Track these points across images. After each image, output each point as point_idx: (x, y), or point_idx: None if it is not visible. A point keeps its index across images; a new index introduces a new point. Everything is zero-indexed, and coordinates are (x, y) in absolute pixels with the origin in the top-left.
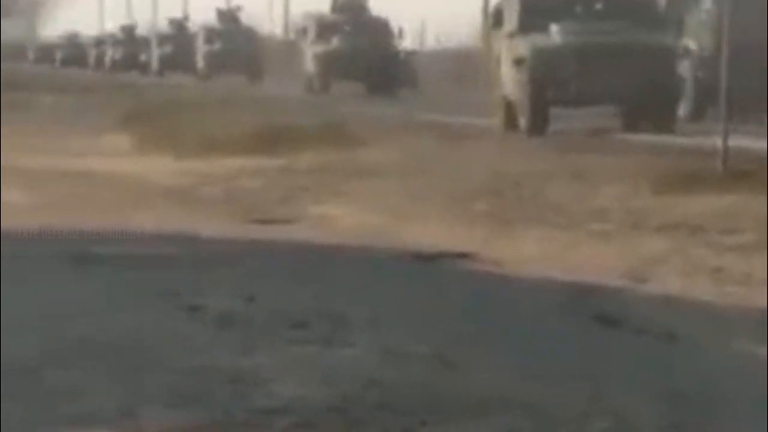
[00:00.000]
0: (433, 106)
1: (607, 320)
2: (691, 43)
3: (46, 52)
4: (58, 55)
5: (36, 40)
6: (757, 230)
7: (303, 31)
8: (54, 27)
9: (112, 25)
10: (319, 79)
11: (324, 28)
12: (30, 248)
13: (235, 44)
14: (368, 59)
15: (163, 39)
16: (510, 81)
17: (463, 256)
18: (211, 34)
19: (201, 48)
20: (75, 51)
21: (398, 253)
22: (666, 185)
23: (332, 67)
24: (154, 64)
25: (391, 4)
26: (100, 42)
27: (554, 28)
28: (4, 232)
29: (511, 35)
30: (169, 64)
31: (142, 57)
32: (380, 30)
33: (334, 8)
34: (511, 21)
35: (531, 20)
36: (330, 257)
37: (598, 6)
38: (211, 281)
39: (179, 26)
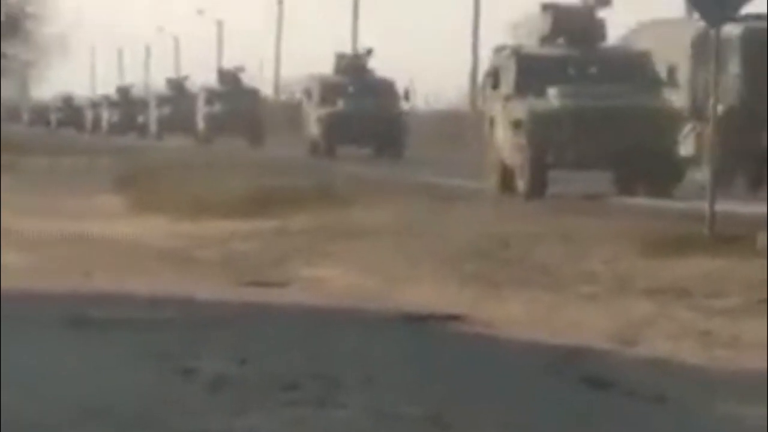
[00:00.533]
0: (424, 168)
1: (596, 382)
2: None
3: (40, 114)
4: (54, 117)
5: (29, 101)
6: (744, 294)
7: (307, 93)
8: (47, 88)
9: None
10: (323, 142)
11: (328, 90)
12: (26, 311)
13: (237, 106)
14: (374, 122)
15: (161, 100)
16: (507, 144)
17: (454, 318)
18: (212, 95)
19: (201, 109)
20: (70, 113)
21: (390, 315)
22: (653, 249)
23: (337, 129)
24: (153, 126)
25: (379, 64)
26: (95, 104)
27: (552, 91)
28: (6, 295)
29: (507, 98)
30: (168, 126)
31: (140, 119)
32: (386, 91)
33: (338, 70)
34: (507, 84)
35: (527, 83)
36: (322, 319)
37: (593, 69)
38: (204, 344)
39: (178, 87)
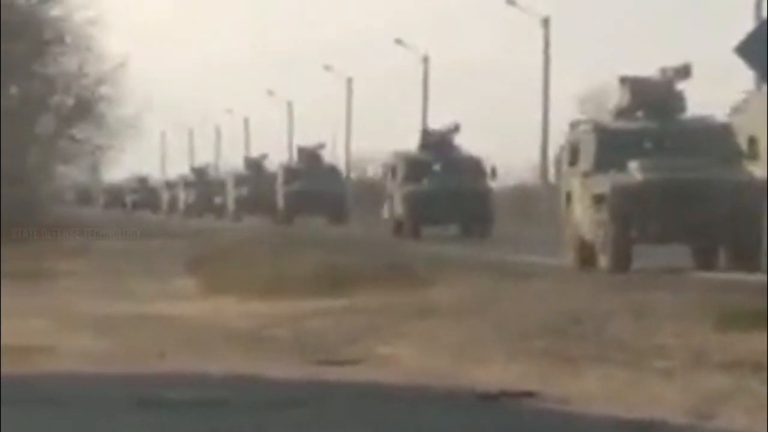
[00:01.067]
0: (497, 245)
1: None
2: None
3: (115, 196)
4: (129, 199)
5: (100, 184)
6: None
7: (391, 171)
8: (117, 171)
9: (175, 169)
10: (408, 222)
11: (413, 167)
12: (100, 392)
13: (318, 184)
14: (461, 200)
15: (239, 180)
16: (586, 219)
17: (529, 394)
18: (291, 173)
19: (281, 188)
20: (146, 194)
21: (462, 393)
22: (728, 322)
23: (423, 208)
24: (230, 206)
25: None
26: (171, 185)
27: (633, 164)
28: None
29: (587, 173)
30: (246, 206)
31: (217, 199)
32: (473, 168)
33: (423, 146)
34: (586, 158)
35: (608, 157)
36: (394, 397)
37: (673, 142)
38: (277, 423)
39: (256, 166)
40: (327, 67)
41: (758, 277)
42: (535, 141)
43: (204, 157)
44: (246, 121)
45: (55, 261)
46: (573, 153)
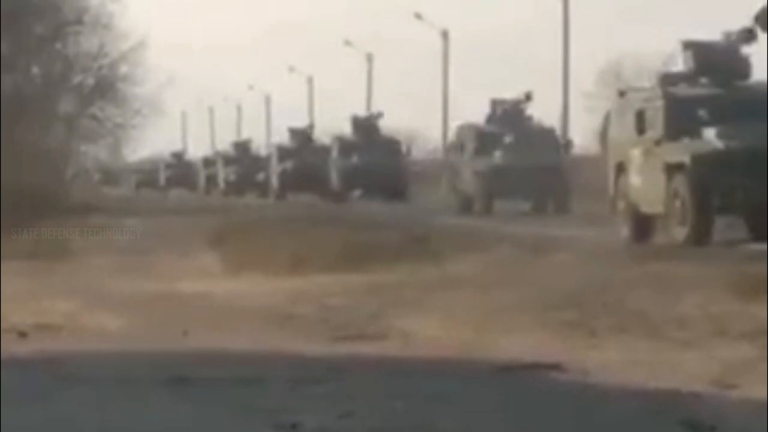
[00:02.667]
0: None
1: (696, 426)
2: None
3: (149, 174)
4: (163, 175)
5: (124, 163)
6: None
7: (458, 145)
8: (140, 149)
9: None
10: (481, 198)
11: (484, 141)
12: (125, 371)
13: (376, 158)
14: (536, 174)
15: (284, 153)
16: (653, 190)
17: (553, 367)
18: (346, 146)
19: (336, 162)
20: (181, 170)
21: (485, 365)
22: (752, 291)
23: (497, 183)
24: (274, 183)
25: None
26: (209, 161)
27: (710, 132)
28: (101, 355)
29: (657, 142)
30: (291, 182)
31: (260, 176)
32: (547, 141)
33: (493, 119)
34: (654, 127)
35: (679, 126)
36: (420, 371)
37: (741, 108)
38: (305, 399)
39: (303, 137)
40: (347, 42)
41: None
42: (555, 113)
43: (226, 134)
44: (267, 98)
45: (82, 241)
46: (637, 121)
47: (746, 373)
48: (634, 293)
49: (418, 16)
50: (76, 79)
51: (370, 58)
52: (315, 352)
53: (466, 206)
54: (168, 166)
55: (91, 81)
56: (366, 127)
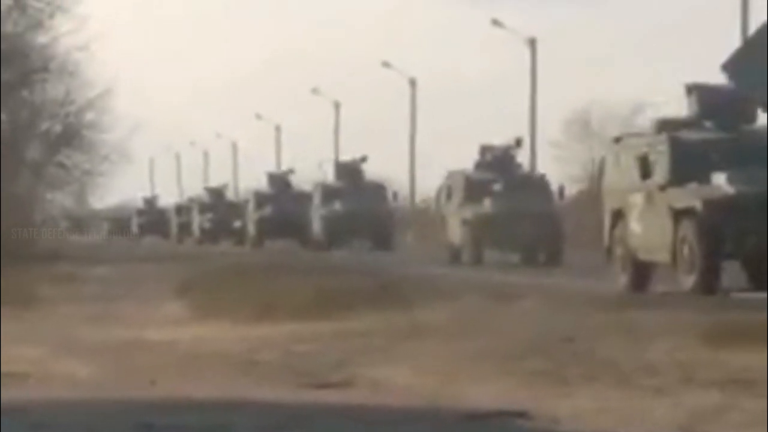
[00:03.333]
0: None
1: None
2: None
3: (119, 221)
4: (135, 222)
5: (88, 210)
6: None
7: (445, 193)
8: (106, 198)
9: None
10: (470, 248)
11: (473, 188)
12: (93, 419)
13: (360, 204)
14: (530, 222)
15: (261, 199)
16: (657, 237)
17: (520, 414)
18: (328, 191)
19: (318, 210)
20: (154, 218)
21: (454, 414)
22: (719, 339)
23: (487, 232)
24: (251, 230)
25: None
26: (183, 208)
27: (720, 177)
28: (70, 403)
29: (662, 188)
30: (270, 230)
31: (236, 223)
32: (538, 188)
33: (482, 164)
34: (660, 172)
35: (685, 170)
36: (387, 420)
37: (747, 153)
38: None
39: (281, 183)
40: (314, 91)
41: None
42: (523, 162)
43: (193, 182)
44: (234, 145)
45: (50, 287)
46: (639, 166)
47: (714, 421)
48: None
49: (386, 64)
50: (44, 126)
51: (337, 106)
52: (281, 399)
53: (455, 256)
54: (140, 213)
55: (58, 128)
56: (350, 171)
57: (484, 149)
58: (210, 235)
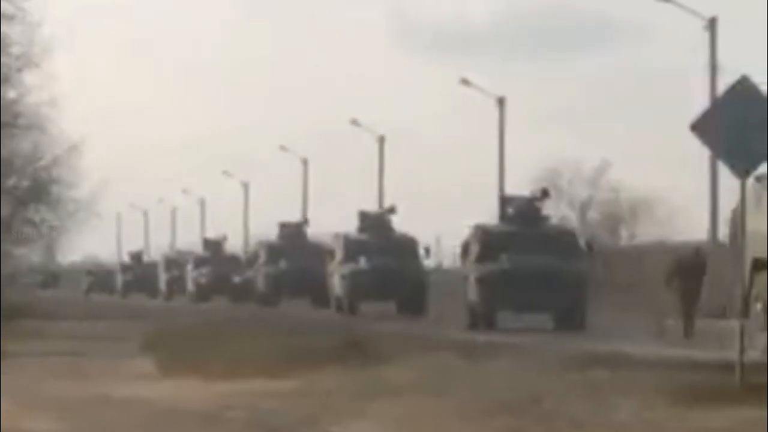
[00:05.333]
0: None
1: None
2: None
3: (101, 277)
4: (120, 279)
5: (55, 266)
6: None
7: (464, 248)
8: (71, 253)
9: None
10: (484, 307)
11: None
12: None
13: (391, 260)
14: (553, 281)
15: (273, 252)
16: None
17: None
18: (352, 245)
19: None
20: (141, 273)
21: None
22: (684, 399)
23: (500, 292)
24: (260, 285)
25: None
26: (173, 262)
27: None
28: None
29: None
30: (281, 287)
31: (236, 278)
32: (564, 244)
33: (502, 217)
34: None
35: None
36: None
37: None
38: None
39: (295, 233)
40: (283, 148)
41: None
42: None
43: (161, 238)
44: (202, 202)
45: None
46: None
47: None
48: None
49: (355, 122)
50: (11, 181)
51: (305, 163)
52: None
53: (474, 319)
54: (125, 268)
55: (25, 183)
56: (378, 224)
57: (504, 200)
58: (206, 292)
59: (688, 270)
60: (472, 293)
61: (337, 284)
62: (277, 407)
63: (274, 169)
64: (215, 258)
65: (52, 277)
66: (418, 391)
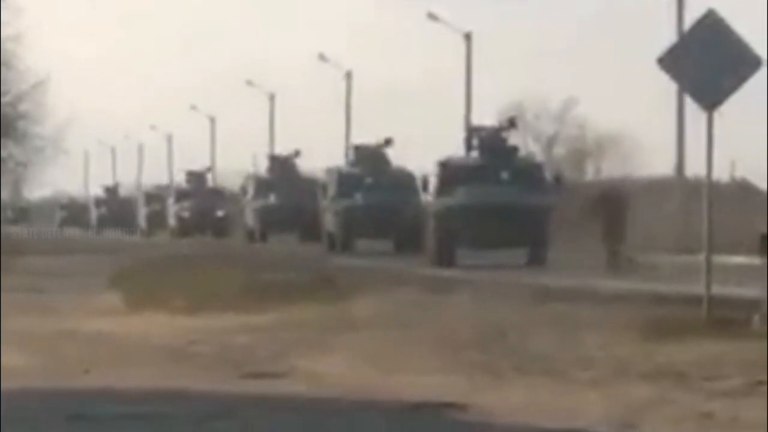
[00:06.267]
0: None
1: None
2: None
3: (75, 212)
4: (95, 214)
5: (23, 202)
6: (742, 376)
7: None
8: (40, 188)
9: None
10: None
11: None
12: (27, 409)
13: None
14: (517, 215)
15: (262, 185)
16: None
17: (450, 405)
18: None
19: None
20: (117, 208)
21: (386, 404)
22: (651, 333)
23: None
24: (250, 222)
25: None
26: (152, 196)
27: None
28: (3, 393)
29: None
30: (271, 222)
31: (219, 212)
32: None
33: (470, 148)
34: None
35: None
36: (320, 410)
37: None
38: None
39: (286, 167)
40: (249, 83)
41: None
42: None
43: (127, 175)
44: (169, 138)
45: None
46: None
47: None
48: None
49: (323, 57)
50: None
51: (272, 98)
52: (217, 390)
53: (436, 256)
54: (100, 202)
55: None
56: (374, 158)
57: (471, 130)
58: (189, 227)
59: (609, 206)
60: (430, 229)
61: (330, 221)
62: (246, 342)
63: (241, 104)
64: (198, 191)
65: (21, 212)
66: (388, 325)
